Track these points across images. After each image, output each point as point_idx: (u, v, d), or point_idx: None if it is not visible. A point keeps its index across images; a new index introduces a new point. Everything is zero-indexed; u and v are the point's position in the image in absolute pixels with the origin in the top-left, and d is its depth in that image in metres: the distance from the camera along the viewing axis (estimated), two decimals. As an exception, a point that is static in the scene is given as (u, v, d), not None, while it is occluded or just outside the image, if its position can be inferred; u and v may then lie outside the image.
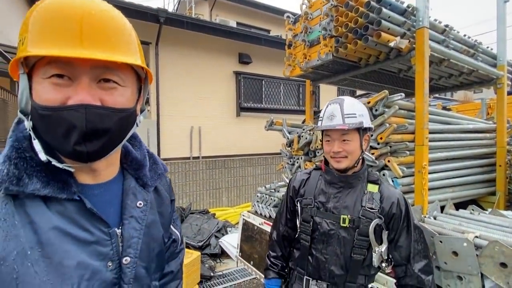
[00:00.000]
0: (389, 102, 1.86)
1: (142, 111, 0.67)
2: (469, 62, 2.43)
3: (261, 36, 6.58)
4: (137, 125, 0.64)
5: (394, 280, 1.51)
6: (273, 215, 2.51)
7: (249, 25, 8.89)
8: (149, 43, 5.51)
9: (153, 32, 5.34)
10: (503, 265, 1.26)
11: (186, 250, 3.01)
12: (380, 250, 1.17)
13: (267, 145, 6.56)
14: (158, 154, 5.38)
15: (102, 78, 0.54)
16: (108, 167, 0.64)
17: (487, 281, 1.33)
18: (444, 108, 4.30)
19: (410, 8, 2.05)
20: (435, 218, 1.89)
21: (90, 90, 0.52)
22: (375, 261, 1.16)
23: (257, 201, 2.79)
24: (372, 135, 1.87)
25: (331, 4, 2.12)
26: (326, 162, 1.34)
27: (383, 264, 1.20)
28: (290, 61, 2.78)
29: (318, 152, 2.41)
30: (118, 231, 0.62)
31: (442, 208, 2.11)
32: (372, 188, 1.24)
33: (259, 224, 2.57)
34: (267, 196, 2.72)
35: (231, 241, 4.01)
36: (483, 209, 2.40)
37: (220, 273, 3.78)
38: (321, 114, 1.29)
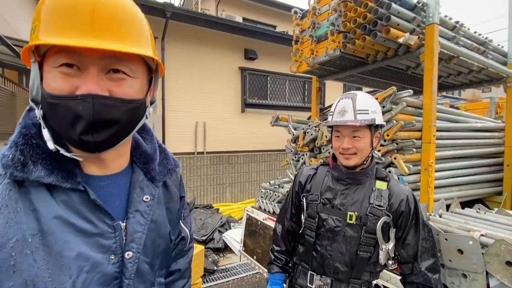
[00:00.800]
0: (396, 98, 1.84)
1: (152, 103, 0.66)
2: (479, 60, 2.39)
3: (267, 32, 6.55)
4: (146, 117, 0.63)
5: (397, 277, 1.52)
6: (277, 210, 2.52)
7: (255, 20, 8.84)
8: (155, 37, 5.52)
9: (159, 26, 5.35)
10: (509, 263, 1.25)
11: (190, 243, 3.04)
12: (387, 247, 1.16)
13: (271, 141, 6.56)
14: (163, 148, 5.41)
15: (112, 68, 0.53)
16: (116, 159, 0.63)
17: (492, 280, 1.32)
18: (452, 106, 4.26)
19: (420, 4, 2.01)
20: (440, 216, 1.88)
21: (98, 80, 0.52)
22: (382, 259, 1.16)
23: (261, 197, 2.79)
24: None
25: (340, -1, 2.11)
26: (334, 158, 1.32)
27: (390, 262, 1.19)
28: (296, 57, 2.76)
29: (323, 149, 2.40)
30: (123, 224, 0.60)
31: (448, 206, 2.10)
32: (380, 185, 1.22)
33: (263, 220, 2.59)
34: (271, 192, 2.73)
35: (234, 236, 4.04)
36: (489, 208, 2.38)
37: (223, 267, 3.81)
38: (331, 109, 1.26)
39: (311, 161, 2.51)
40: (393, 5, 1.86)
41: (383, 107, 1.82)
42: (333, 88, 7.47)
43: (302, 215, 1.33)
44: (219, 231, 4.32)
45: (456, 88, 3.28)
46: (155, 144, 0.74)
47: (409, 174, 1.91)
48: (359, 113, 1.16)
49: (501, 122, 3.03)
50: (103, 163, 0.61)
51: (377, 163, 1.92)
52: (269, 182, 2.83)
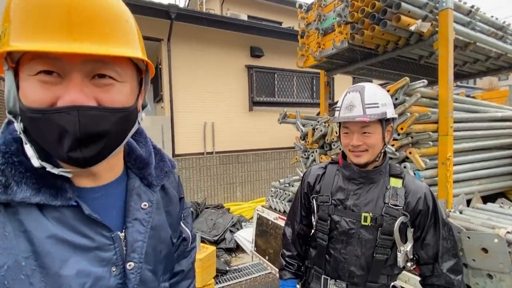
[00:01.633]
0: (410, 90, 1.74)
1: (144, 107, 0.61)
2: (497, 45, 2.26)
3: (273, 29, 6.46)
4: (138, 123, 0.59)
5: (417, 277, 1.44)
6: (288, 209, 2.46)
7: (260, 18, 8.76)
8: (161, 39, 5.53)
9: (165, 28, 5.35)
10: (540, 263, 1.16)
11: (202, 244, 3.03)
12: (405, 249, 1.08)
13: (281, 139, 6.49)
14: (173, 150, 5.44)
15: (97, 73, 0.48)
16: (109, 169, 0.60)
17: (522, 280, 1.23)
18: (468, 96, 4.07)
19: (432, -11, 1.91)
20: (461, 213, 1.78)
21: (82, 88, 0.46)
22: (400, 261, 1.08)
23: (271, 196, 2.74)
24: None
25: (346, -11, 2.02)
26: (344, 156, 1.25)
27: (408, 264, 1.12)
28: (303, 51, 2.69)
29: (333, 145, 2.33)
30: (121, 234, 0.58)
31: (468, 202, 1.99)
32: (395, 182, 1.14)
33: (274, 219, 2.54)
34: (281, 190, 2.68)
35: (246, 236, 4.01)
36: (512, 202, 2.25)
37: (236, 267, 3.79)
38: (338, 104, 1.18)
39: (321, 158, 2.44)
40: (403, -9, 1.77)
41: (396, 99, 1.73)
42: (342, 82, 7.33)
43: (313, 217, 1.26)
44: (231, 231, 4.30)
45: (472, 77, 3.12)
46: (149, 147, 0.70)
47: (426, 169, 1.82)
48: (368, 107, 1.08)
49: (523, 110, 2.87)
50: (96, 175, 0.57)
51: (390, 158, 1.84)
52: (279, 181, 2.78)
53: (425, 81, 1.80)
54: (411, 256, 1.11)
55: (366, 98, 1.09)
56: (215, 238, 4.09)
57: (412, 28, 1.77)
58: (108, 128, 0.49)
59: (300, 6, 2.70)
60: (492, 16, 2.41)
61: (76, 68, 0.46)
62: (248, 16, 7.98)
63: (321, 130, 2.36)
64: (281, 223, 2.41)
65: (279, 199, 2.64)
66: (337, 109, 1.19)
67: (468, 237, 1.36)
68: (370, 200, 1.13)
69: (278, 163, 6.66)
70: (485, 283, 1.32)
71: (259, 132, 6.38)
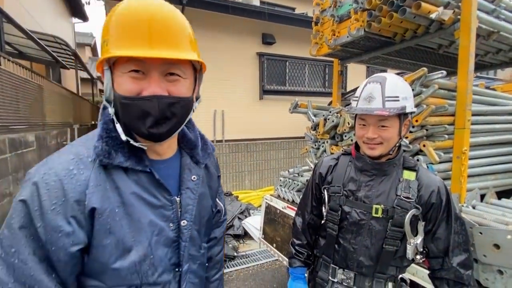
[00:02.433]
0: (427, 81, 1.69)
1: (197, 98, 0.77)
2: (523, 35, 2.14)
3: (285, 15, 6.30)
4: (193, 111, 0.73)
5: (425, 270, 1.44)
6: (296, 199, 2.47)
7: (273, 3, 8.54)
8: (172, 25, 5.49)
9: (176, 14, 5.29)
10: (555, 261, 1.14)
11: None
12: (415, 242, 1.08)
13: (290, 128, 6.45)
14: (183, 137, 5.48)
15: (168, 72, 0.64)
16: (170, 146, 0.77)
17: (534, 278, 1.21)
18: (488, 88, 3.92)
19: (456, -26, 1.81)
20: (474, 208, 1.75)
21: (159, 83, 0.63)
22: (410, 254, 1.08)
23: (280, 185, 2.76)
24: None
25: (364, -26, 1.93)
26: (357, 147, 1.23)
27: (418, 257, 1.12)
28: (317, 39, 2.62)
29: (345, 136, 2.30)
30: (177, 199, 0.74)
31: (482, 197, 1.95)
32: (408, 175, 1.13)
33: (282, 208, 2.56)
34: (290, 180, 2.68)
35: (254, 223, 4.06)
36: (528, 198, 2.19)
37: (243, 253, 3.87)
38: (357, 93, 1.14)
39: (332, 149, 2.42)
40: (425, -24, 1.68)
41: (412, 90, 1.68)
42: (355, 72, 7.16)
43: (323, 208, 1.26)
44: (239, 218, 4.36)
45: (494, 68, 2.99)
46: (196, 132, 0.87)
47: (440, 163, 1.78)
48: (388, 100, 1.04)
49: (546, 104, 2.74)
50: (161, 150, 0.75)
51: (404, 151, 1.81)
52: (288, 171, 2.78)
53: (444, 72, 1.73)
54: (421, 249, 1.11)
55: (386, 90, 1.05)
56: (224, 225, 4.17)
57: (433, 15, 1.69)
58: (176, 111, 0.66)
59: (315, -9, 2.62)
60: (519, 3, 2.28)
61: (155, 68, 0.63)
62: (260, 2, 7.79)
63: (332, 121, 2.33)
64: (289, 212, 2.42)
65: (288, 188, 2.65)
66: (354, 99, 1.15)
67: (480, 233, 1.34)
68: (382, 192, 1.12)
69: (288, 153, 6.65)
70: (495, 278, 1.31)
71: (269, 121, 6.35)
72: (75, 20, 12.45)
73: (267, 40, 6.17)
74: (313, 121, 2.59)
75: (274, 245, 2.65)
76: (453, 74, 2.70)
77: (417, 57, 2.77)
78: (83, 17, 12.25)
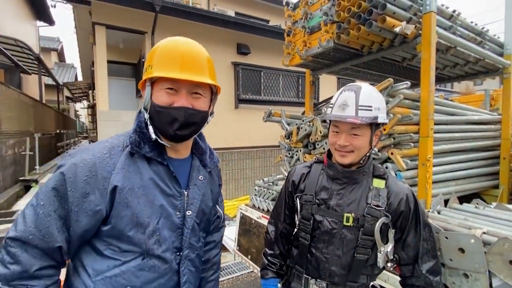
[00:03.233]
0: (393, 91, 1.76)
1: (211, 113, 0.97)
2: (477, 51, 2.33)
3: (260, 26, 6.42)
4: (207, 122, 0.94)
5: (396, 277, 1.46)
6: (271, 208, 2.44)
7: (247, 15, 8.68)
8: (145, 32, 5.36)
9: (149, 21, 5.19)
10: (513, 263, 1.19)
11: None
12: (385, 250, 1.08)
13: (266, 137, 6.48)
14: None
15: (194, 91, 0.86)
16: (185, 148, 0.96)
17: (495, 279, 1.26)
18: (446, 99, 4.21)
19: (417, -8, 1.93)
20: (439, 213, 1.82)
21: (187, 98, 0.85)
22: (380, 262, 1.08)
23: (255, 195, 2.71)
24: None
25: (333, -12, 2.01)
26: (329, 155, 1.24)
27: (389, 264, 1.12)
28: (289, 50, 2.67)
29: (317, 144, 2.32)
30: (186, 192, 0.91)
31: (445, 202, 2.04)
32: (378, 183, 1.14)
33: (257, 218, 2.51)
34: (265, 189, 2.65)
35: (228, 234, 3.95)
36: (486, 202, 2.33)
37: (218, 266, 3.74)
38: (332, 100, 1.16)
39: (305, 157, 2.43)
40: (389, -8, 1.78)
41: (380, 100, 1.74)
42: (327, 83, 7.40)
43: (296, 217, 1.24)
44: (214, 230, 4.23)
45: (452, 80, 3.22)
46: (206, 143, 1.06)
47: (406, 170, 1.84)
48: (361, 109, 1.06)
49: (497, 114, 2.99)
50: (178, 150, 0.93)
51: (373, 159, 1.85)
52: (263, 180, 2.75)
53: (408, 83, 1.82)
54: (391, 257, 1.11)
55: (360, 99, 1.07)
56: (197, 237, 4.02)
57: (397, 29, 1.78)
58: (197, 120, 0.88)
59: (287, 3, 2.67)
60: (471, 22, 2.49)
61: (184, 87, 0.85)
62: (235, 13, 7.88)
63: (305, 129, 2.36)
64: (265, 222, 2.38)
65: (263, 198, 2.61)
66: (330, 106, 1.16)
67: (446, 237, 1.38)
68: (353, 201, 1.12)
69: (263, 162, 6.65)
70: (461, 282, 1.35)
71: (245, 130, 6.34)
72: (40, 23, 11.79)
73: (242, 50, 6.22)
74: (286, 130, 2.60)
75: (249, 256, 2.58)
76: (416, 86, 2.86)
77: (383, 69, 2.91)
78: (49, 21, 11.63)
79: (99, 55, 5.13)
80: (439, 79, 3.14)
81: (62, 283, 0.84)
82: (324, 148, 2.24)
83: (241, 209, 2.80)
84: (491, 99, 4.80)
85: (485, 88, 5.11)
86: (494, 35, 2.74)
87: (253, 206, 2.69)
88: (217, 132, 5.95)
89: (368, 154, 1.15)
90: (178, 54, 0.83)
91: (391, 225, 1.11)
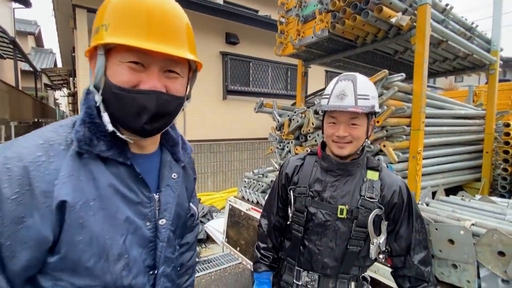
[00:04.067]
0: (388, 83, 1.75)
1: (188, 98, 0.75)
2: (466, 46, 2.35)
3: (249, 16, 6.27)
4: (182, 110, 0.72)
5: (386, 267, 1.47)
6: (261, 201, 2.41)
7: (236, 4, 8.48)
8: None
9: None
10: (501, 253, 1.22)
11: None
12: (378, 241, 1.08)
13: (254, 129, 6.43)
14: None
15: (168, 69, 0.63)
16: (153, 142, 0.75)
17: (483, 270, 1.29)
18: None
19: (412, -17, 1.90)
20: (427, 205, 1.85)
21: (159, 78, 0.62)
22: (373, 253, 1.08)
23: (245, 187, 2.68)
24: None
25: (329, -25, 1.95)
26: (323, 147, 1.22)
27: (381, 256, 1.12)
28: (282, 39, 2.60)
29: (309, 136, 2.30)
30: (156, 196, 0.71)
31: (433, 194, 2.08)
32: (372, 175, 1.13)
33: (246, 210, 2.48)
34: (255, 181, 2.62)
35: (216, 226, 3.92)
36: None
37: (205, 258, 3.72)
38: (327, 91, 1.13)
39: (296, 149, 2.41)
40: (386, -18, 1.74)
41: (374, 91, 1.73)
42: (315, 76, 7.39)
43: (289, 209, 1.22)
44: (201, 222, 4.19)
45: (440, 75, 3.26)
46: (177, 132, 0.85)
47: (398, 162, 1.85)
48: (360, 98, 1.04)
49: (481, 109, 3.06)
50: (144, 145, 0.72)
51: (367, 151, 1.85)
52: (253, 171, 2.72)
53: (403, 75, 1.81)
54: (383, 249, 1.12)
55: (358, 88, 1.05)
56: (185, 229, 3.97)
57: (393, 20, 1.75)
58: (171, 109, 0.66)
59: (281, -10, 2.59)
60: (462, 17, 2.51)
61: (156, 62, 0.61)
62: (224, 1, 7.68)
63: (297, 121, 2.32)
64: (254, 214, 2.36)
65: (252, 190, 2.58)
66: (325, 96, 1.13)
67: (436, 229, 1.40)
68: (346, 192, 1.12)
69: (251, 154, 6.61)
70: (450, 272, 1.38)
71: (233, 122, 6.25)
72: (15, 5, 11.06)
73: (231, 39, 6.07)
74: (278, 121, 2.56)
75: (238, 248, 2.56)
76: (406, 79, 2.87)
77: (374, 62, 2.91)
78: (25, 2, 10.93)
79: (80, 41, 4.86)
80: (429, 74, 3.17)
81: None
82: (316, 140, 2.22)
83: (230, 201, 2.76)
84: (474, 95, 4.95)
85: (468, 84, 5.24)
86: (482, 31, 2.78)
87: (242, 198, 2.66)
88: (205, 123, 5.84)
89: (364, 144, 1.13)
90: (145, 10, 0.57)
91: (384, 217, 1.11)
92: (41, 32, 16.68)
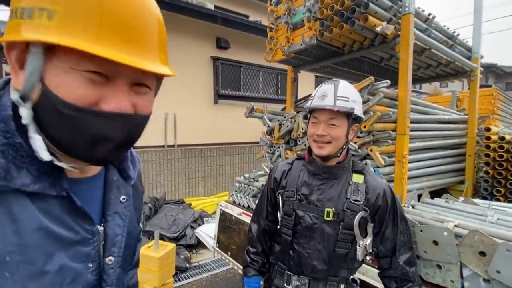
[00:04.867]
0: (374, 89, 1.80)
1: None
2: (448, 53, 2.45)
3: (240, 21, 6.33)
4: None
5: (375, 270, 1.51)
6: (252, 205, 2.43)
7: (227, 9, 8.54)
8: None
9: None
10: (482, 253, 1.27)
11: (161, 242, 2.86)
12: (364, 243, 1.12)
13: (245, 134, 6.45)
14: (130, 141, 5.07)
15: (138, 82, 0.48)
16: None
17: (465, 270, 1.34)
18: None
19: (396, -7, 1.98)
20: (413, 207, 1.90)
21: (127, 95, 0.46)
22: (359, 255, 1.11)
23: (236, 191, 2.69)
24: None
25: (317, -15, 2.01)
26: (310, 152, 1.26)
27: (367, 257, 1.16)
28: (271, 45, 2.65)
29: (299, 141, 2.34)
30: (101, 228, 0.56)
31: (419, 197, 2.14)
32: (357, 178, 1.17)
33: (237, 215, 2.49)
34: (246, 185, 2.63)
35: (207, 231, 3.90)
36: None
37: (196, 263, 3.68)
38: (312, 94, 1.20)
39: (287, 153, 2.44)
40: (371, -8, 1.81)
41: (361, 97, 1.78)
42: (305, 82, 7.49)
43: (278, 213, 1.25)
44: (192, 227, 4.15)
45: (424, 81, 3.38)
46: None
47: (385, 166, 1.90)
48: (339, 99, 1.10)
49: (464, 114, 3.18)
50: (85, 168, 0.55)
51: (353, 155, 1.90)
52: (244, 176, 2.73)
53: (388, 82, 1.87)
54: (370, 250, 1.15)
55: (339, 90, 1.11)
56: (175, 235, 3.92)
57: (378, 29, 1.82)
58: (139, 133, 0.51)
59: (270, -2, 2.65)
60: (444, 26, 2.61)
61: (124, 74, 0.45)
62: (215, 6, 7.72)
63: (287, 126, 2.36)
64: (245, 218, 2.36)
65: (243, 194, 2.59)
66: (310, 98, 1.20)
67: (421, 231, 1.44)
68: (333, 196, 1.15)
69: (242, 158, 6.62)
70: (435, 273, 1.42)
71: (224, 126, 6.26)
72: (1, 7, 10.82)
73: (222, 44, 6.11)
74: (268, 126, 2.59)
75: (229, 253, 2.55)
76: (392, 85, 2.96)
77: (361, 69, 2.98)
78: (8, 3, 10.70)
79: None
80: (413, 80, 3.28)
81: None
82: (305, 145, 2.26)
83: (221, 205, 2.76)
84: (457, 100, 5.12)
85: (452, 90, 5.43)
86: (463, 39, 2.90)
87: (233, 203, 2.67)
88: (195, 128, 5.83)
89: (344, 147, 1.17)
90: (112, 2, 0.41)
91: (370, 219, 1.14)
92: None
